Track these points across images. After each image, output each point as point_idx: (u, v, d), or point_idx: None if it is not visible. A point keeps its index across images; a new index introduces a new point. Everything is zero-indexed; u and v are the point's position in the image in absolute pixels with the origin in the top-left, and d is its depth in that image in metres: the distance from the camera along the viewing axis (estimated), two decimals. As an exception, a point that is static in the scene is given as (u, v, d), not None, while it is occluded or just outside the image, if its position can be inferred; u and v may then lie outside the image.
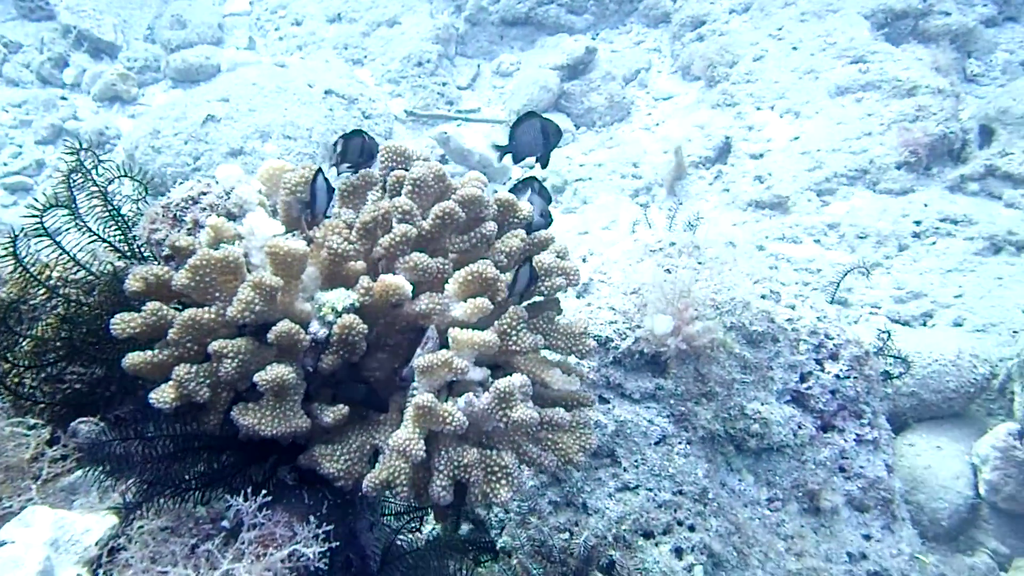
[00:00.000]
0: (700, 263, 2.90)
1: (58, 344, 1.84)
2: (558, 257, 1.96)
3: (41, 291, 1.92)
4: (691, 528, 2.47)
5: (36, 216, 1.86)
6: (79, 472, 1.81)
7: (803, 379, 2.73)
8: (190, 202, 2.02)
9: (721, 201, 5.20)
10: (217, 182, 2.05)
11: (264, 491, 1.67)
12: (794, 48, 5.78)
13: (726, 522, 2.51)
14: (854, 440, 2.73)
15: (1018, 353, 3.44)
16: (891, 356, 3.26)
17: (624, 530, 2.45)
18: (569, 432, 1.89)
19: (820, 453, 2.68)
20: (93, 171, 1.99)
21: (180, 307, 1.73)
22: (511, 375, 1.71)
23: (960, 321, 3.99)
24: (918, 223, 4.53)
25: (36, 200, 1.91)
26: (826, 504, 2.62)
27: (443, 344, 1.79)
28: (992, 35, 5.89)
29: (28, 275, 1.86)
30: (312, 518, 1.74)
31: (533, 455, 1.81)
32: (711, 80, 6.03)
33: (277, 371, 1.65)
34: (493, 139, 6.41)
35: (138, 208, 2.07)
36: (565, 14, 7.09)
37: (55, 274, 1.94)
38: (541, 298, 1.99)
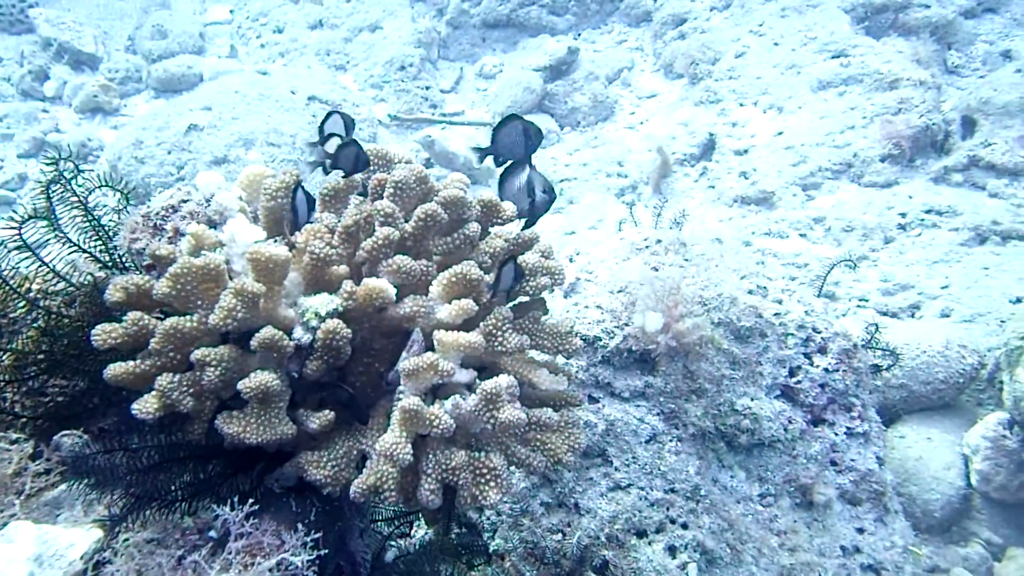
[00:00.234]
0: (687, 260, 2.89)
1: (39, 357, 1.82)
2: (543, 257, 1.95)
3: (21, 304, 1.90)
4: (684, 526, 2.46)
5: (15, 228, 1.85)
6: (63, 486, 1.79)
7: (792, 373, 2.73)
8: (170, 210, 2.01)
9: (707, 198, 5.20)
10: (197, 190, 2.04)
11: (251, 500, 1.66)
12: (775, 44, 5.80)
13: (719, 519, 2.50)
14: (845, 433, 2.73)
15: (1006, 342, 3.45)
16: (879, 348, 3.27)
17: (617, 529, 2.44)
18: (558, 432, 1.88)
19: (811, 447, 2.68)
20: (73, 181, 1.98)
21: (162, 317, 1.71)
22: (498, 376, 1.70)
23: (947, 312, 4.00)
24: (903, 215, 4.55)
25: (15, 212, 1.89)
26: (818, 498, 2.62)
27: (429, 347, 1.78)
28: (972, 26, 5.91)
29: (7, 288, 1.84)
30: (300, 526, 1.72)
31: (522, 456, 1.80)
32: (694, 77, 6.04)
33: (261, 378, 1.64)
34: (477, 141, 6.41)
35: (119, 218, 2.05)
36: (546, 15, 7.09)
37: (35, 287, 1.92)
38: (527, 298, 1.98)
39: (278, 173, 1.93)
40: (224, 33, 7.82)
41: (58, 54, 7.15)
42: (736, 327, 2.71)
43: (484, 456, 1.71)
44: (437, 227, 1.85)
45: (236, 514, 1.64)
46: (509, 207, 2.00)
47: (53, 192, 1.96)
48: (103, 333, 1.65)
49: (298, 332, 1.74)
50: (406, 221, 1.86)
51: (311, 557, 1.61)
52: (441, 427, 1.64)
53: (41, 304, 1.88)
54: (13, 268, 1.86)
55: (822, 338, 2.79)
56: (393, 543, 2.17)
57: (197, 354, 1.64)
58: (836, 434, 2.72)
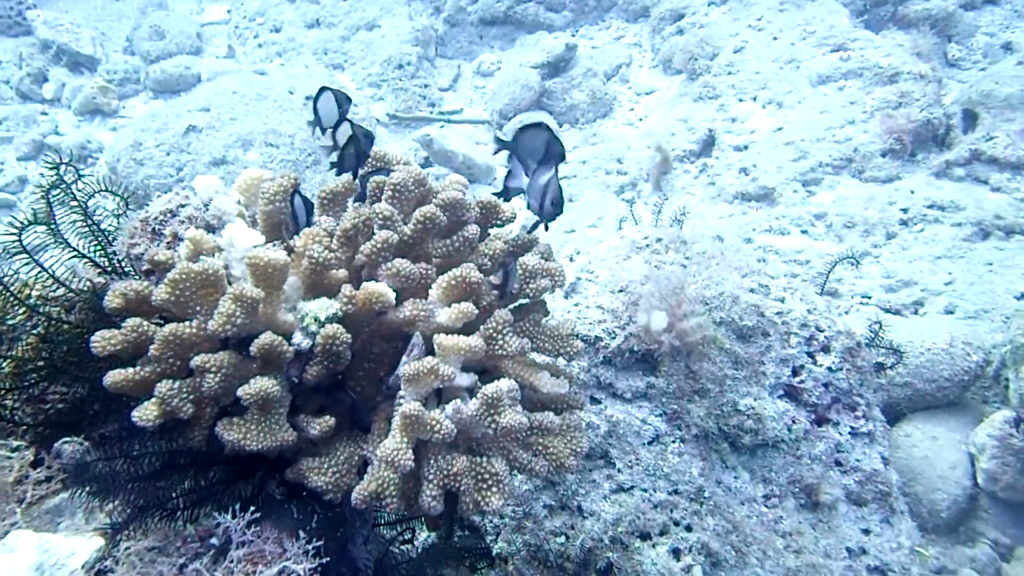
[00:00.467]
0: (687, 258, 2.88)
1: (39, 364, 1.81)
2: (543, 258, 1.94)
3: (21, 310, 1.89)
4: (688, 528, 2.45)
5: (14, 234, 1.84)
6: (64, 494, 1.78)
7: (795, 373, 2.72)
8: (169, 215, 2.00)
9: (707, 195, 5.18)
10: (195, 193, 2.03)
11: (252, 507, 1.65)
12: (774, 38, 5.77)
13: (723, 521, 2.49)
14: (849, 433, 2.71)
15: (1011, 339, 3.43)
16: (883, 347, 3.25)
17: (620, 532, 2.43)
18: (560, 436, 1.87)
19: (815, 447, 2.66)
20: (73, 186, 1.97)
21: (162, 322, 1.70)
22: (499, 380, 1.69)
23: (951, 308, 3.98)
24: (905, 210, 4.52)
25: (15, 217, 1.88)
26: (823, 499, 2.61)
27: (429, 351, 1.77)
28: (972, 18, 5.89)
29: (7, 294, 1.83)
30: (302, 533, 1.72)
31: (524, 461, 1.79)
32: (693, 73, 6.02)
33: (261, 384, 1.63)
34: (476, 139, 6.39)
35: (119, 222, 2.04)
36: (544, 12, 7.07)
37: (35, 293, 1.91)
38: (527, 301, 1.97)
39: (276, 176, 1.92)
40: (221, 33, 7.80)
41: (56, 56, 7.14)
42: (738, 326, 2.69)
43: (486, 461, 1.71)
44: (436, 230, 1.84)
45: (237, 521, 1.64)
46: (507, 208, 1.99)
47: (53, 197, 1.96)
48: (102, 340, 1.64)
49: (297, 337, 1.73)
50: (405, 224, 1.85)
51: (313, 565, 1.60)
52: (442, 432, 1.63)
53: (41, 310, 1.87)
54: (13, 274, 1.85)
55: (825, 337, 2.77)
56: (396, 548, 2.16)
57: (196, 360, 1.63)
58: (840, 434, 2.70)
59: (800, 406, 2.71)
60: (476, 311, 1.76)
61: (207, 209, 1.93)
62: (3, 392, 1.79)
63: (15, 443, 1.83)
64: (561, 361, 2.11)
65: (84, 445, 1.83)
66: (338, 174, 1.98)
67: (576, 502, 2.49)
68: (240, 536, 1.64)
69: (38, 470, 1.80)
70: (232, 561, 1.58)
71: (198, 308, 1.68)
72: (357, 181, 1.97)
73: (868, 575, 2.57)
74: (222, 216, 1.90)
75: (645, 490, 2.50)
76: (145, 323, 1.67)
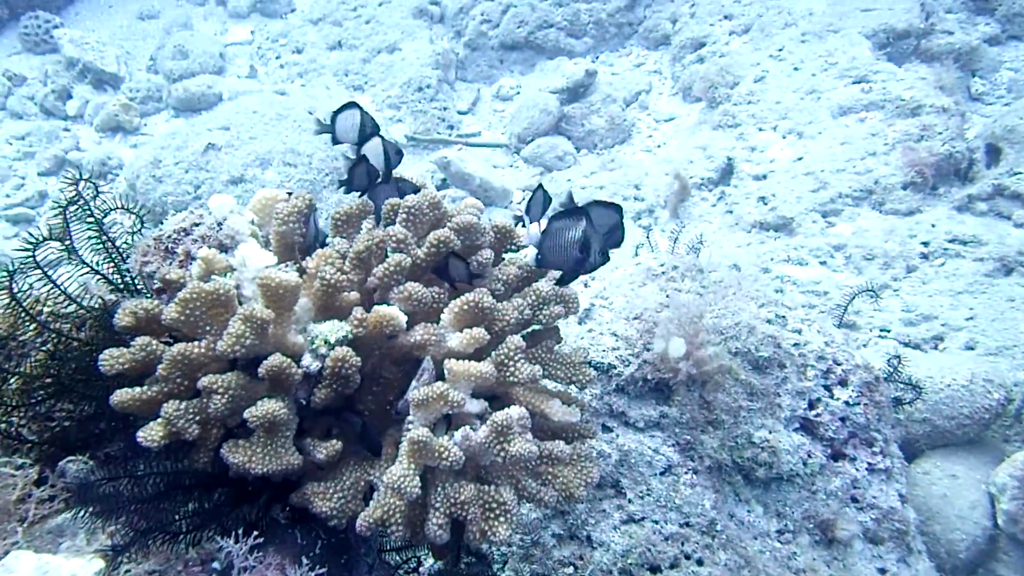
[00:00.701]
0: (704, 287, 2.85)
1: (47, 381, 1.80)
2: (557, 284, 1.91)
3: (32, 326, 1.88)
4: (699, 562, 2.40)
5: (28, 249, 1.84)
6: (67, 513, 1.76)
7: (812, 406, 2.67)
8: (182, 233, 1.99)
9: (724, 223, 5.15)
10: (210, 212, 2.02)
11: (256, 531, 1.63)
12: (796, 68, 5.76)
13: (735, 555, 2.44)
14: (866, 469, 2.66)
15: (1033, 377, 3.37)
16: (902, 382, 3.19)
17: (630, 564, 2.39)
18: (570, 466, 1.84)
19: (831, 483, 2.61)
20: (91, 202, 1.98)
21: (171, 342, 1.69)
22: (509, 407, 1.67)
23: (972, 344, 3.92)
24: (926, 244, 4.47)
25: (31, 233, 1.89)
26: (839, 536, 2.55)
27: (439, 376, 1.75)
28: (996, 53, 5.86)
29: (19, 309, 1.83)
30: (305, 559, 1.70)
31: (532, 490, 1.76)
32: (712, 101, 6.01)
33: (268, 407, 1.61)
34: (493, 162, 6.39)
35: (133, 240, 2.05)
36: (564, 38, 7.10)
37: (46, 309, 1.90)
38: (540, 327, 1.95)
39: (291, 197, 1.91)
40: (244, 53, 7.90)
41: (81, 74, 7.24)
42: (754, 357, 2.66)
43: (494, 490, 1.68)
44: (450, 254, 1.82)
45: (240, 546, 1.62)
46: (522, 233, 1.97)
47: (70, 213, 1.97)
48: (110, 358, 1.63)
49: (307, 359, 1.72)
50: (419, 247, 1.83)
51: (315, 593, 1.57)
52: (450, 459, 1.61)
53: (51, 327, 1.87)
54: (27, 289, 1.85)
55: (843, 370, 2.73)
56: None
57: (204, 381, 1.61)
58: (857, 470, 2.65)
59: (816, 440, 2.66)
60: (488, 337, 1.74)
61: (220, 228, 1.93)
62: (10, 409, 1.78)
63: (20, 460, 1.81)
64: (573, 389, 2.09)
65: (89, 464, 1.82)
66: (347, 192, 1.98)
67: (585, 532, 2.44)
68: (242, 561, 1.61)
69: (42, 489, 1.79)
70: (233, 587, 1.56)
71: (208, 328, 1.66)
72: (367, 199, 1.96)
73: (885, 617, 2.51)
74: (235, 236, 1.89)
75: (656, 522, 2.45)
76: (154, 342, 1.66)
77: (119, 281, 2.04)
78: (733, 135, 5.62)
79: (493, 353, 1.75)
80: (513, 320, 1.82)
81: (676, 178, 5.28)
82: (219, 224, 1.96)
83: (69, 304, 1.89)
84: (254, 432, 1.65)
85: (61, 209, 1.97)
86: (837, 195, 4.84)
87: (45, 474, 1.81)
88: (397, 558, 2.15)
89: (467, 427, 1.67)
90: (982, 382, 3.44)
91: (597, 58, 7.19)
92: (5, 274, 1.78)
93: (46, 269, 1.87)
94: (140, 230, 2.07)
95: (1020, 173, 4.60)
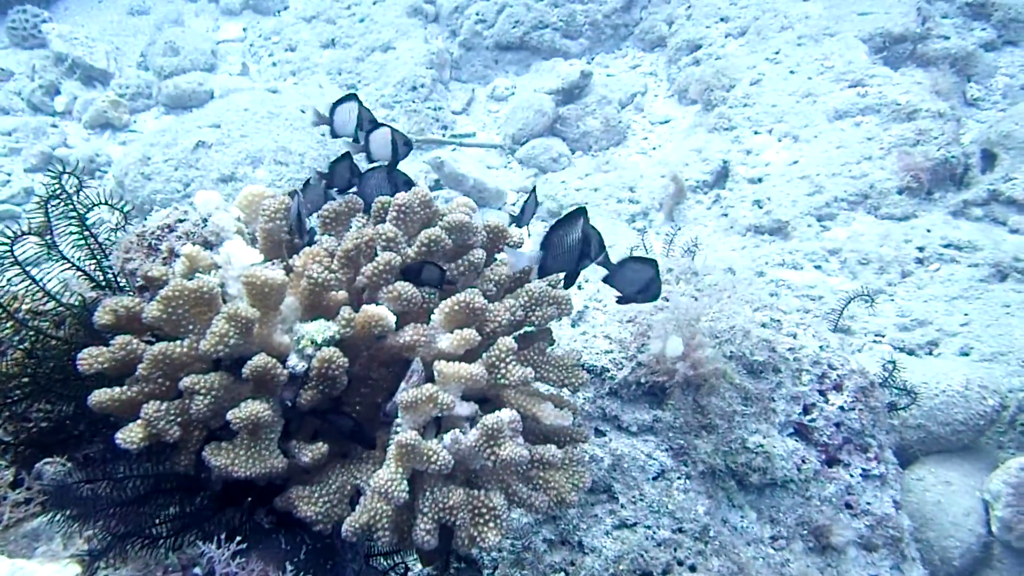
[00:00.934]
0: (698, 290, 2.82)
1: (23, 380, 1.75)
2: (550, 285, 1.88)
3: (8, 324, 1.83)
4: (692, 568, 2.37)
5: (6, 244, 1.79)
6: (43, 517, 1.71)
7: (806, 411, 2.64)
8: (166, 230, 1.94)
9: (719, 226, 5.12)
10: (195, 209, 1.98)
11: (239, 536, 1.59)
12: (791, 72, 5.74)
13: (728, 562, 2.40)
14: (860, 475, 2.63)
15: (1028, 383, 3.36)
16: (897, 387, 3.17)
17: (622, 570, 2.36)
18: (562, 470, 1.81)
19: (825, 489, 2.58)
20: (74, 197, 1.94)
21: (154, 341, 1.65)
22: (500, 410, 1.63)
23: (967, 350, 3.90)
24: (921, 249, 4.45)
25: (8, 227, 1.84)
26: (833, 542, 2.52)
27: (429, 378, 1.71)
28: (992, 59, 5.85)
29: (-4, 306, 1.78)
30: (289, 565, 1.65)
31: (523, 495, 1.72)
32: (708, 104, 5.99)
33: (251, 408, 1.57)
34: (488, 163, 6.36)
35: (117, 236, 2.00)
36: (560, 38, 7.07)
37: (24, 306, 1.85)
38: (532, 328, 1.91)
39: (277, 194, 1.87)
40: (236, 51, 7.84)
41: (70, 69, 7.17)
42: (748, 361, 2.63)
43: (484, 494, 1.64)
44: (441, 253, 1.79)
45: (222, 552, 1.57)
46: (516, 233, 1.94)
47: (52, 208, 1.92)
48: (89, 357, 1.59)
49: (293, 360, 1.68)
50: (409, 246, 1.80)
51: (298, 601, 1.53)
52: (439, 463, 1.57)
53: (30, 324, 1.82)
54: (4, 285, 1.80)
55: (838, 375, 2.70)
56: (388, 582, 2.08)
57: (186, 381, 1.57)
58: (852, 476, 2.62)
59: (810, 445, 2.64)
60: (479, 338, 1.71)
61: (205, 225, 1.88)
62: (-15, 408, 1.73)
63: (-5, 461, 1.76)
64: (566, 392, 2.05)
65: (67, 466, 1.77)
66: (327, 188, 1.94)
67: (577, 537, 2.41)
68: (224, 568, 1.57)
69: (17, 491, 1.74)
70: (213, 594, 1.51)
71: (191, 327, 1.62)
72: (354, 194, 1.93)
73: (880, 626, 2.48)
74: (220, 233, 1.85)
75: (648, 527, 2.42)
76: (135, 341, 1.62)
77: (101, 278, 1.99)
78: (728, 138, 5.61)
79: (484, 355, 1.72)
80: (505, 321, 1.78)
81: (673, 180, 5.25)
82: (204, 221, 1.91)
83: (47, 301, 1.84)
84: (237, 434, 1.61)
85: (42, 203, 1.93)
86: (832, 199, 4.83)
87: (21, 476, 1.77)
88: (385, 563, 2.11)
89: (457, 430, 1.63)
90: (977, 388, 3.43)
91: (592, 59, 7.16)
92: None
93: (25, 265, 1.83)
94: (124, 226, 2.03)
95: (1015, 179, 4.60)
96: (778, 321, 2.78)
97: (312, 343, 1.66)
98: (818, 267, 4.55)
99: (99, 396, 1.58)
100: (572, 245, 1.73)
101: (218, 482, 1.69)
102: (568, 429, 1.89)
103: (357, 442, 1.76)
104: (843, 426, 2.66)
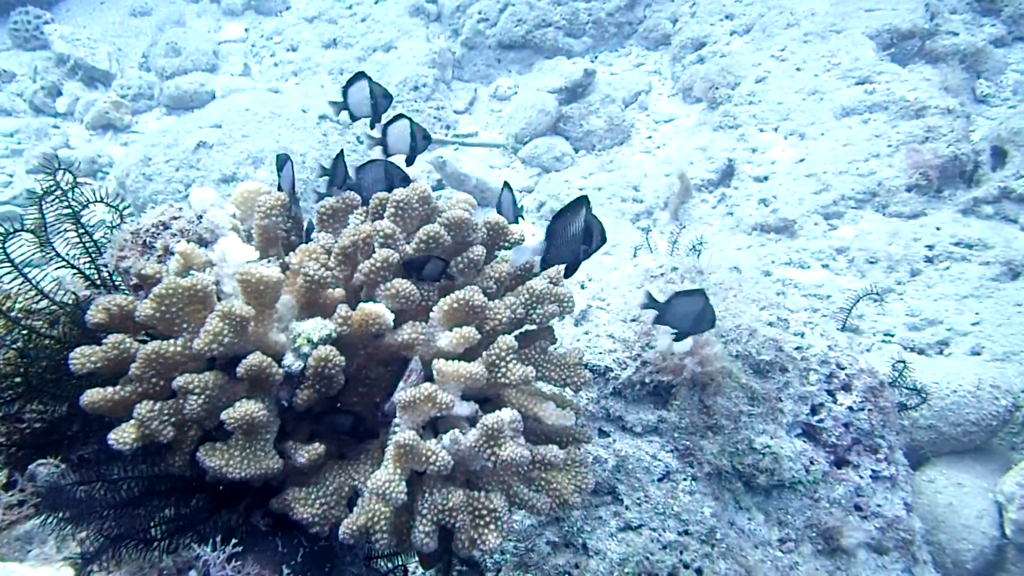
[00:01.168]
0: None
1: (16, 380, 1.72)
2: (551, 283, 1.84)
3: (1, 323, 1.80)
4: (698, 571, 2.33)
5: (-1, 241, 1.77)
6: (37, 519, 1.68)
7: (814, 411, 2.60)
8: (161, 227, 1.91)
9: (725, 225, 5.08)
10: (190, 206, 1.95)
11: (235, 539, 1.56)
12: (797, 69, 5.70)
13: (735, 564, 2.36)
14: (870, 476, 2.59)
15: (1041, 383, 3.31)
16: (907, 387, 3.12)
17: (627, 572, 2.32)
18: (564, 471, 1.77)
19: (834, 490, 2.54)
20: (69, 194, 1.91)
21: (148, 340, 1.62)
22: (500, 410, 1.59)
23: (978, 350, 3.85)
24: (930, 247, 4.40)
25: (1, 224, 1.82)
26: (842, 545, 2.48)
27: (428, 377, 1.68)
28: (1002, 55, 5.78)
29: (-13, 305, 1.75)
30: (286, 568, 1.63)
31: (524, 497, 1.68)
32: (713, 102, 5.94)
33: (246, 408, 1.54)
34: (490, 163, 6.33)
35: (112, 234, 1.97)
36: (563, 37, 7.03)
37: (17, 304, 1.82)
38: (534, 327, 1.87)
39: (273, 190, 1.84)
40: (238, 51, 7.83)
41: (72, 71, 7.17)
42: (755, 360, 2.59)
43: (484, 496, 1.60)
44: (440, 250, 1.75)
45: (217, 555, 1.54)
46: (517, 230, 1.90)
47: (46, 204, 1.90)
48: (81, 357, 1.56)
49: (289, 359, 1.64)
50: (408, 243, 1.76)
51: (294, 605, 1.50)
52: (438, 464, 1.53)
53: (23, 323, 1.79)
54: (-1, 283, 1.77)
55: (846, 375, 2.66)
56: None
57: (179, 381, 1.54)
58: (861, 477, 2.58)
59: (819, 446, 2.59)
60: (478, 336, 1.68)
61: (200, 222, 1.85)
62: (-24, 409, 1.70)
63: (-13, 463, 1.73)
64: (568, 392, 2.01)
65: (61, 468, 1.74)
66: (328, 185, 1.92)
67: (581, 539, 2.37)
68: (219, 571, 1.54)
69: (10, 493, 1.71)
70: (207, 598, 1.48)
71: (184, 326, 1.59)
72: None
73: (891, 631, 2.44)
74: (215, 230, 1.81)
75: (654, 529, 2.38)
76: (128, 340, 1.59)
77: (96, 277, 1.96)
78: (734, 136, 5.56)
79: (484, 353, 1.68)
80: (505, 319, 1.75)
81: (680, 178, 5.21)
82: (199, 218, 1.88)
83: (40, 299, 1.81)
84: (232, 435, 1.58)
85: (36, 200, 1.91)
86: (840, 197, 4.78)
87: (14, 478, 1.74)
88: (386, 566, 2.07)
89: (456, 430, 1.60)
90: (989, 388, 3.38)
91: (596, 58, 7.12)
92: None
93: (20, 263, 1.80)
94: (119, 224, 2.00)
95: (1027, 176, 4.55)
96: (785, 320, 2.74)
97: (308, 342, 1.63)
98: (825, 266, 4.50)
99: (91, 396, 1.55)
100: (575, 235, 1.70)
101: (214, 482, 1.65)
102: (570, 429, 1.85)
103: (356, 436, 1.72)
104: (852, 427, 2.61)
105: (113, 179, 5.72)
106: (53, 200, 1.91)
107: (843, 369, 2.67)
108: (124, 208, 2.04)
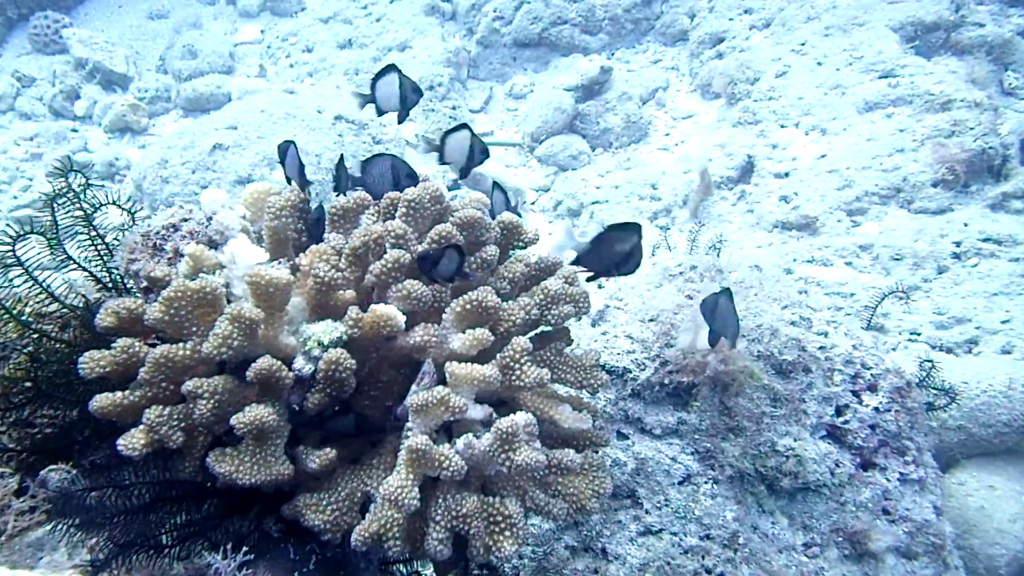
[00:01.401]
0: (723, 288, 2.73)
1: (26, 385, 1.71)
2: (567, 283, 1.80)
3: (12, 326, 1.79)
4: (720, 577, 2.28)
5: (8, 244, 1.76)
6: (48, 526, 1.67)
7: (839, 412, 2.54)
8: (171, 229, 1.89)
9: (745, 222, 5.01)
10: (200, 208, 1.92)
11: (245, 547, 1.53)
12: (819, 63, 5.61)
13: (759, 570, 2.31)
14: (898, 479, 2.52)
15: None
16: (935, 387, 3.04)
17: (647, 578, 2.27)
18: (581, 476, 1.74)
19: (861, 494, 2.47)
20: (80, 196, 1.90)
21: (158, 344, 1.59)
22: (515, 414, 1.55)
23: (1009, 348, 3.75)
24: (958, 244, 4.30)
25: (9, 225, 1.81)
26: (870, 550, 2.41)
27: (441, 380, 1.64)
28: (1030, 46, 5.68)
29: (-1, 308, 1.74)
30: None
31: (541, 503, 1.65)
32: (732, 98, 5.87)
33: (255, 413, 1.51)
34: (506, 161, 6.30)
35: (124, 236, 1.96)
36: (579, 34, 6.98)
37: (28, 309, 1.81)
38: (549, 328, 1.83)
39: (284, 190, 1.81)
40: (254, 53, 7.85)
41: (90, 74, 7.22)
42: (777, 361, 2.53)
43: (499, 502, 1.57)
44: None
45: (228, 563, 1.51)
46: (530, 230, 1.87)
47: (58, 207, 1.89)
48: (90, 361, 1.55)
49: (299, 362, 1.62)
50: (420, 243, 1.73)
51: (305, 614, 1.47)
52: (451, 469, 1.50)
53: (34, 327, 1.78)
54: (6, 284, 1.76)
55: (872, 375, 2.59)
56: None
57: (188, 385, 1.52)
58: (888, 480, 2.51)
59: (844, 448, 2.53)
60: (492, 338, 1.64)
61: (210, 224, 1.82)
62: (-12, 414, 1.69)
63: (-1, 469, 1.72)
64: (585, 394, 1.97)
65: (72, 473, 1.72)
66: (335, 189, 1.90)
67: (600, 544, 2.33)
68: (230, 579, 1.51)
69: (22, 499, 1.70)
70: (217, 607, 1.45)
71: (194, 329, 1.57)
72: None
73: (921, 639, 2.37)
74: (225, 231, 1.79)
75: (675, 534, 2.34)
76: (137, 344, 1.57)
77: (107, 279, 1.95)
78: (754, 132, 5.49)
79: (498, 356, 1.64)
80: (519, 320, 1.71)
81: (700, 175, 5.14)
82: (209, 219, 1.86)
83: (51, 303, 1.80)
84: (243, 440, 1.55)
85: (48, 202, 1.90)
86: (863, 193, 4.69)
87: (26, 484, 1.72)
88: (402, 570, 2.04)
89: (470, 434, 1.57)
90: (1021, 388, 3.29)
91: (613, 55, 7.06)
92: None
93: (31, 266, 1.79)
94: (131, 227, 1.99)
95: (1057, 170, 4.45)
96: (808, 319, 2.67)
97: (319, 344, 1.60)
98: (849, 263, 4.42)
99: (100, 401, 1.54)
100: (618, 252, 1.68)
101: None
102: (588, 432, 1.81)
103: (363, 433, 1.68)
104: (878, 428, 2.55)
105: (130, 182, 5.74)
106: (65, 203, 1.91)
107: (868, 369, 2.61)
108: (137, 210, 2.03)
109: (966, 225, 4.39)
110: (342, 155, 1.90)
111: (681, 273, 2.79)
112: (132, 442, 1.51)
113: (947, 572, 2.48)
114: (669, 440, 2.47)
